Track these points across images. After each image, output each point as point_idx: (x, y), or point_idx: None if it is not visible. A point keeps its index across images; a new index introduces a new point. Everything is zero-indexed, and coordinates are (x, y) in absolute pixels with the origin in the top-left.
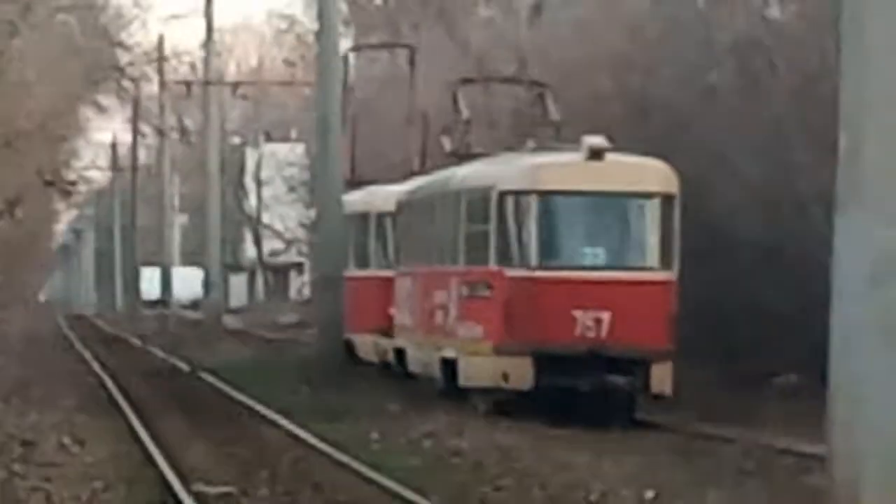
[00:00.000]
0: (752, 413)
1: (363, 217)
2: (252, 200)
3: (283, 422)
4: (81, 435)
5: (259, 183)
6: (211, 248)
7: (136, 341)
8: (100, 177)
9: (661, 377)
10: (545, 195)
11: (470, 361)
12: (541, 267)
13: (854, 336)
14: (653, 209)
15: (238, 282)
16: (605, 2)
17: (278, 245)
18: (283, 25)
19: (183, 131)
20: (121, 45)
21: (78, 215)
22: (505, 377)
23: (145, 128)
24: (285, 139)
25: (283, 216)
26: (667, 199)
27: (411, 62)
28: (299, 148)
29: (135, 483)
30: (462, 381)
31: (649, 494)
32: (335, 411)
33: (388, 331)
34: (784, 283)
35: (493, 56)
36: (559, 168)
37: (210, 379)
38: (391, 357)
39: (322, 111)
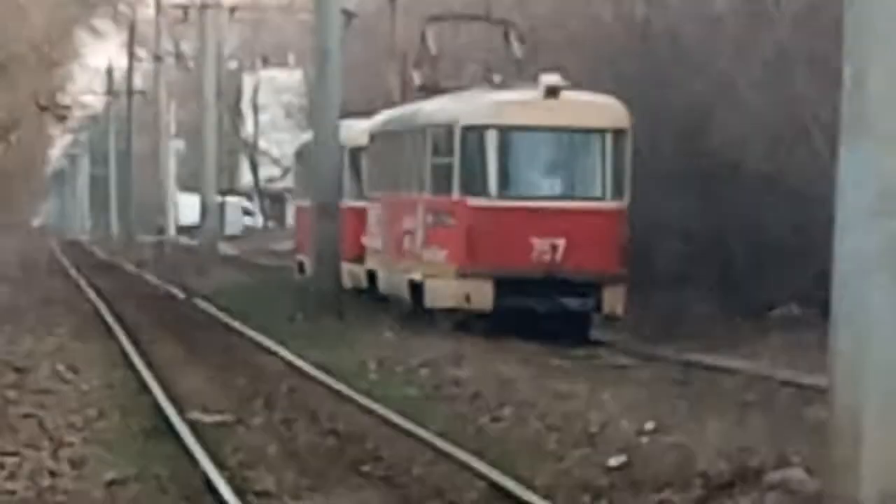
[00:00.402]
0: (753, 344)
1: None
2: (249, 126)
3: (279, 349)
4: (75, 362)
5: (256, 109)
6: (207, 174)
7: (132, 267)
8: (95, 102)
9: (613, 299)
10: (504, 130)
11: (435, 284)
12: (500, 197)
13: (857, 268)
14: (604, 143)
15: (234, 208)
16: None
17: (275, 171)
18: None
19: (179, 56)
20: None
21: (73, 140)
22: (467, 299)
23: (141, 52)
24: (283, 65)
25: (279, 142)
26: (618, 134)
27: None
28: (297, 74)
29: (129, 410)
30: (428, 302)
31: (649, 426)
32: (332, 339)
33: (361, 259)
34: (786, 213)
35: None
36: (518, 105)
37: (205, 306)
38: (363, 281)
39: (320, 37)
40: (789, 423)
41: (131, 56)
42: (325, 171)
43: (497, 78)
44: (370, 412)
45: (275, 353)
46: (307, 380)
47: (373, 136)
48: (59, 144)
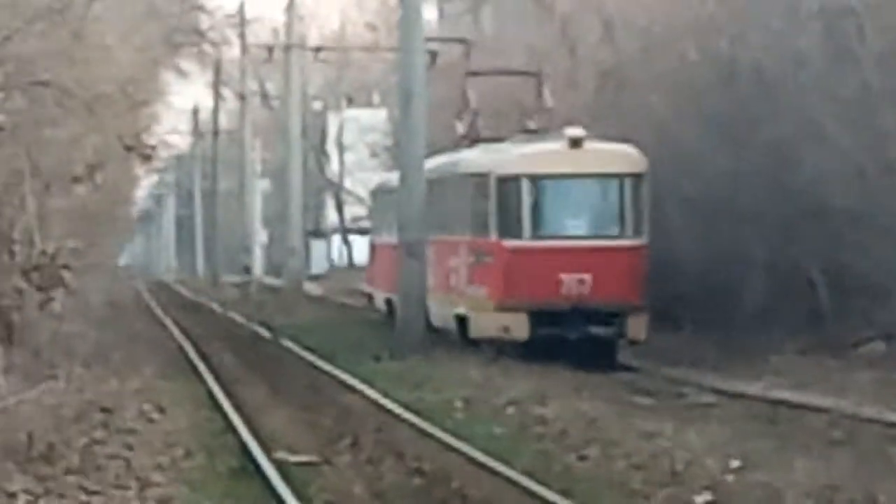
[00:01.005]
0: (839, 381)
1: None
2: (334, 166)
3: (365, 389)
4: (161, 402)
5: (341, 148)
6: (292, 213)
7: (217, 307)
8: (180, 142)
9: (637, 327)
10: (534, 178)
11: (477, 317)
12: (532, 238)
13: None
14: (623, 187)
15: (319, 248)
16: None
17: (361, 211)
18: None
19: (264, 96)
20: (202, 8)
21: (158, 181)
22: (506, 329)
23: (226, 92)
24: (367, 104)
25: (365, 182)
26: (636, 178)
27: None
28: (381, 113)
29: (215, 450)
30: (472, 333)
31: (735, 464)
32: (418, 378)
33: None
34: (871, 250)
35: (577, 21)
36: (545, 155)
37: (291, 345)
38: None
39: (405, 77)
40: (876, 461)
41: (217, 96)
42: (411, 209)
43: (532, 125)
44: (456, 451)
45: (361, 393)
46: (393, 419)
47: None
48: (145, 184)
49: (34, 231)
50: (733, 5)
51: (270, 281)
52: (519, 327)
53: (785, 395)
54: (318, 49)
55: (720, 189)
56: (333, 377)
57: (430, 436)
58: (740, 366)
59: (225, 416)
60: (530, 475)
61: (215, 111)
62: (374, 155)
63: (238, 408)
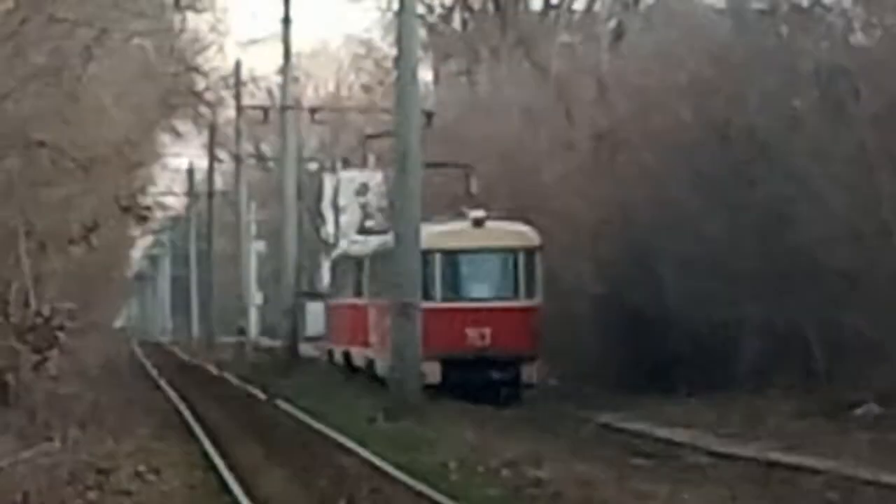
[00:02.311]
0: (835, 443)
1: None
2: (330, 227)
3: (360, 450)
4: (157, 463)
5: (337, 209)
6: (287, 275)
7: (213, 369)
8: (176, 203)
9: (530, 372)
10: (445, 252)
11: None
12: (443, 300)
13: None
14: (517, 259)
15: (315, 309)
16: (687, 28)
17: None
18: (362, 51)
19: (260, 157)
20: (197, 70)
21: (154, 242)
22: (422, 376)
23: (222, 153)
24: (363, 165)
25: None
26: (529, 251)
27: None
28: (377, 175)
29: None
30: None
31: None
32: (412, 439)
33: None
34: (866, 311)
35: (572, 82)
36: (453, 233)
37: (286, 406)
38: (363, 364)
39: (400, 137)
40: None
41: (212, 157)
42: (406, 271)
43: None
44: None
45: (356, 454)
46: (388, 480)
47: (370, 255)
48: (141, 245)
49: (29, 292)
50: (728, 66)
51: (266, 342)
52: (433, 373)
53: (780, 456)
54: (313, 110)
55: (715, 249)
56: (328, 438)
57: (426, 497)
58: (735, 427)
59: (220, 476)
60: None
61: (210, 172)
62: (368, 217)
63: (233, 468)
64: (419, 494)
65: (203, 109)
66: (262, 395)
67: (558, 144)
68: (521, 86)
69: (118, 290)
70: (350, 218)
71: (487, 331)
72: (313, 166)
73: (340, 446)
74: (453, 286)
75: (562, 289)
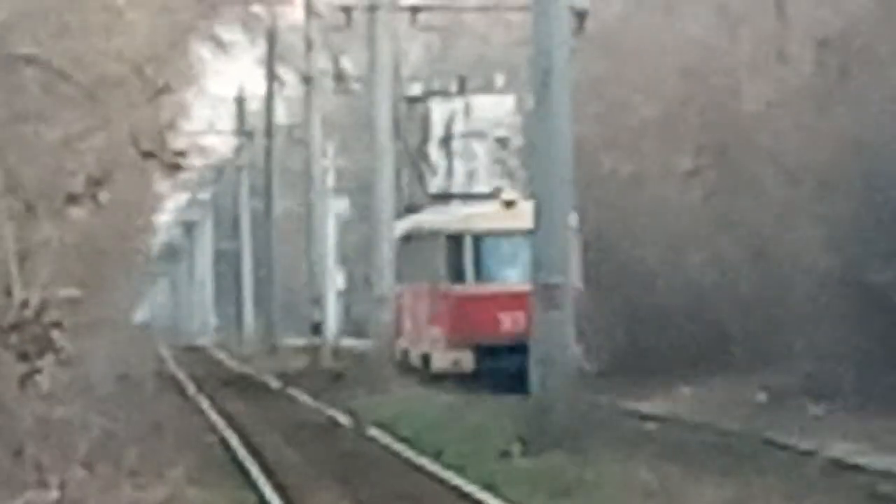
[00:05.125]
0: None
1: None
2: (439, 177)
3: (488, 499)
4: None
5: (450, 152)
6: (381, 248)
7: (275, 382)
8: (221, 145)
9: None
10: (475, 235)
11: (436, 354)
12: (475, 284)
13: None
14: None
15: None
16: None
17: None
18: None
19: (339, 77)
20: None
21: (189, 201)
22: (456, 363)
23: (285, 73)
24: (487, 89)
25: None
26: None
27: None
28: (508, 101)
29: None
30: (431, 368)
31: None
32: (564, 483)
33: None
34: None
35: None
36: (483, 215)
37: (380, 436)
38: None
39: (540, 50)
40: None
41: (271, 78)
42: (552, 244)
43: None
44: None
45: None
46: None
47: (404, 236)
48: (171, 207)
49: (12, 273)
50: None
51: (350, 344)
52: (466, 361)
53: None
54: (415, 9)
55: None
56: (442, 482)
57: None
58: None
59: None
60: None
61: (269, 100)
62: (496, 161)
63: None
64: None
65: (258, 10)
66: (346, 421)
67: (767, 55)
68: None
69: (138, 271)
70: (468, 164)
71: (521, 315)
72: (416, 90)
73: (460, 493)
74: (485, 270)
75: (772, 263)
